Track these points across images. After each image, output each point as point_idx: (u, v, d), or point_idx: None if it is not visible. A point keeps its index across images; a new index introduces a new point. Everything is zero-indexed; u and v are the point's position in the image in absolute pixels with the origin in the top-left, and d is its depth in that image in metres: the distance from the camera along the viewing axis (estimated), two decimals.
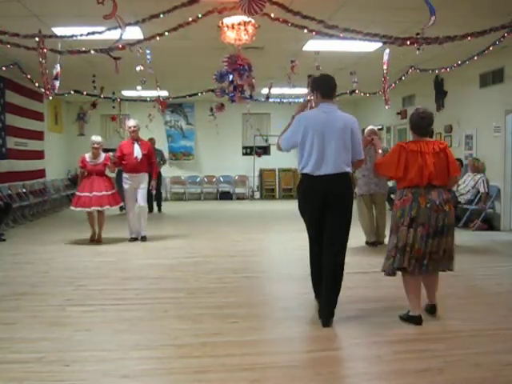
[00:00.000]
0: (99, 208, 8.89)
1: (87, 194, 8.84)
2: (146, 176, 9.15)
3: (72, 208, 9.11)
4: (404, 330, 4.46)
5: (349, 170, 4.71)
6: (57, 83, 8.11)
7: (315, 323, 4.70)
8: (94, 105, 13.53)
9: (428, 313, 4.84)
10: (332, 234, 4.66)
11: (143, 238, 9.18)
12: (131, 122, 9.20)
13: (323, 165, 4.64)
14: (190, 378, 3.55)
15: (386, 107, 8.87)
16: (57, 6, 7.05)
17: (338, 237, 4.68)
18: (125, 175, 9.09)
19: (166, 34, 6.71)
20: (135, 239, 9.16)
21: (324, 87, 5.01)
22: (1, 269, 7.01)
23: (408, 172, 4.57)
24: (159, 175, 12.70)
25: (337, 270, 4.68)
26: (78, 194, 9.04)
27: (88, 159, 9.04)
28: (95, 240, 9.06)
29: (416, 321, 4.59)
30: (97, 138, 9.10)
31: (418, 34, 6.68)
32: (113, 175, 10.07)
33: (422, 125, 4.72)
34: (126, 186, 9.08)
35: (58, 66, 7.96)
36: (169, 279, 6.41)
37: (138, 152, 8.91)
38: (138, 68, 8.44)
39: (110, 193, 8.98)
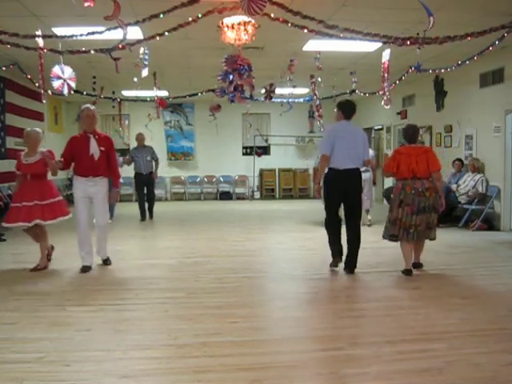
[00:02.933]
0: (27, 224, 6.70)
1: (17, 204, 6.85)
2: (104, 181, 6.98)
3: (4, 225, 6.93)
4: (404, 329, 4.45)
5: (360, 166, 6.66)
6: (72, 84, 8.16)
7: (315, 323, 4.72)
8: (93, 103, 13.50)
9: (414, 267, 6.66)
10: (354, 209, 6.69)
11: (106, 262, 7.20)
12: (86, 108, 6.98)
13: (347, 161, 6.48)
14: (190, 377, 3.55)
15: (386, 107, 8.87)
16: (57, 6, 7.05)
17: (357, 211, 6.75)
18: (76, 179, 6.98)
19: (166, 33, 6.71)
20: (88, 268, 6.81)
21: (348, 111, 6.77)
22: (2, 269, 7.01)
23: (399, 168, 6.47)
24: (151, 177, 12.26)
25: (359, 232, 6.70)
26: (11, 204, 7.06)
27: (22, 157, 7.23)
28: (37, 268, 6.87)
29: (407, 272, 6.44)
30: (33, 129, 7.17)
31: (418, 34, 6.69)
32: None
33: (408, 134, 6.73)
34: (77, 195, 6.93)
35: (64, 68, 7.99)
36: (169, 279, 6.41)
37: (94, 148, 6.79)
38: (144, 73, 8.43)
39: (45, 202, 6.85)
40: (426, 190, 6.34)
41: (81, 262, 6.89)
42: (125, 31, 6.22)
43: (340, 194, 6.55)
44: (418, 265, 6.78)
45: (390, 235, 6.62)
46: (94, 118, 6.90)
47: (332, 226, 6.72)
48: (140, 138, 12.30)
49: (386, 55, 8.29)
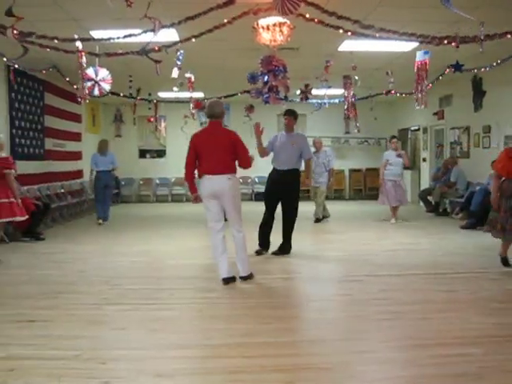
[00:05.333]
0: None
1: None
2: None
3: None
4: (438, 333, 4.39)
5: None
6: (106, 86, 8.29)
7: (348, 325, 4.69)
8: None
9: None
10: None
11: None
12: None
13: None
14: (224, 378, 3.56)
15: (417, 108, 8.72)
16: (94, 10, 7.16)
17: None
18: None
19: (202, 35, 6.75)
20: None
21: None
22: (40, 267, 7.15)
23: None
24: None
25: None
26: None
27: None
28: None
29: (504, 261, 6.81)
30: None
31: (456, 33, 6.58)
32: None
33: None
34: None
35: (98, 70, 8.13)
36: (203, 279, 6.44)
37: None
38: (174, 74, 8.50)
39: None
40: None
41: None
42: (157, 30, 6.27)
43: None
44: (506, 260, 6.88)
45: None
46: None
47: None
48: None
49: (419, 55, 8.17)
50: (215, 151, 6.18)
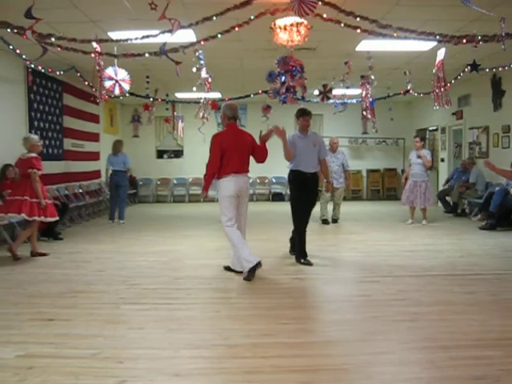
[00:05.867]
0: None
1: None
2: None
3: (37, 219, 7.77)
4: (458, 335, 4.35)
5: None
6: (126, 86, 8.35)
7: (366, 326, 4.66)
8: (146, 107, 13.68)
9: None
10: None
11: None
12: None
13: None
14: (241, 378, 3.56)
15: (437, 108, 8.66)
16: (112, 11, 7.21)
17: None
18: None
19: (219, 35, 6.76)
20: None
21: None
22: (59, 267, 7.21)
23: None
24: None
25: None
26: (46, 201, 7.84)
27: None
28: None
29: None
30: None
31: (475, 32, 6.53)
32: None
33: None
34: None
35: (117, 70, 8.19)
36: (221, 279, 6.45)
37: None
38: (194, 69, 8.53)
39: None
40: None
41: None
42: (174, 31, 6.29)
43: None
44: None
45: None
46: None
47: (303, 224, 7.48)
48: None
49: (440, 54, 8.12)
50: (241, 151, 6.57)
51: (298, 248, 7.42)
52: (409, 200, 11.32)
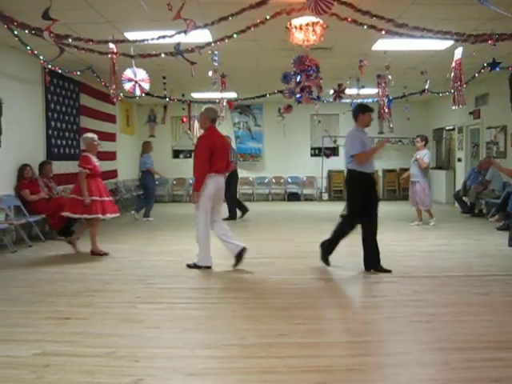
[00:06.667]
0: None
1: (97, 198, 7.93)
2: None
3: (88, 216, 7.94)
4: (473, 336, 4.31)
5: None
6: (145, 86, 8.41)
7: (382, 327, 4.65)
8: (165, 107, 13.73)
9: None
10: None
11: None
12: None
13: None
14: (256, 378, 3.57)
15: (454, 108, 8.58)
16: (129, 11, 7.25)
17: None
18: None
19: (235, 35, 6.77)
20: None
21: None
22: (75, 266, 7.26)
23: None
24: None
25: None
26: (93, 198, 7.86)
27: (94, 159, 8.10)
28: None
29: None
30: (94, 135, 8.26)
31: (492, 30, 6.47)
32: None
33: None
34: None
35: (136, 71, 8.25)
36: (236, 279, 6.47)
37: None
38: (210, 73, 8.54)
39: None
40: None
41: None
42: (189, 30, 6.31)
43: None
44: None
45: None
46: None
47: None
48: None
49: (458, 53, 8.06)
50: (225, 152, 7.13)
51: (375, 254, 6.79)
52: (412, 200, 11.23)
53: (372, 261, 6.76)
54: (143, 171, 12.46)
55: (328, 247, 7.10)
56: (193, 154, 7.47)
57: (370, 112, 6.90)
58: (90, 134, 8.34)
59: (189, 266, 7.00)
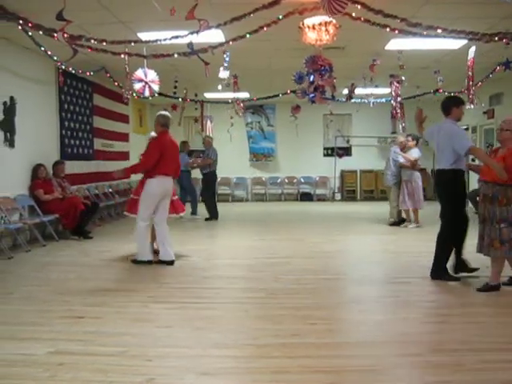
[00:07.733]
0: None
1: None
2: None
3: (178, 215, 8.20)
4: (488, 338, 4.27)
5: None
6: (155, 87, 8.44)
7: (395, 328, 4.62)
8: (182, 108, 13.72)
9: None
10: None
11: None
12: None
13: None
14: (269, 377, 3.56)
15: (468, 107, 8.51)
16: (142, 12, 7.26)
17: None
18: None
19: (248, 35, 6.77)
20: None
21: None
22: (89, 265, 7.30)
23: None
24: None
25: None
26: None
27: None
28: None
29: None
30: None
31: (507, 29, 6.42)
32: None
33: None
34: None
35: (147, 71, 8.26)
36: (249, 279, 6.46)
37: None
38: (220, 75, 8.54)
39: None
40: None
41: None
42: (201, 30, 6.31)
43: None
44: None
45: None
46: None
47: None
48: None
49: (471, 53, 8.01)
50: (175, 156, 7.49)
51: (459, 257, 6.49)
52: (405, 202, 10.85)
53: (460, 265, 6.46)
54: (182, 171, 12.23)
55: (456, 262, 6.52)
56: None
57: (463, 105, 6.51)
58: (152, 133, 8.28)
59: (132, 262, 7.31)
